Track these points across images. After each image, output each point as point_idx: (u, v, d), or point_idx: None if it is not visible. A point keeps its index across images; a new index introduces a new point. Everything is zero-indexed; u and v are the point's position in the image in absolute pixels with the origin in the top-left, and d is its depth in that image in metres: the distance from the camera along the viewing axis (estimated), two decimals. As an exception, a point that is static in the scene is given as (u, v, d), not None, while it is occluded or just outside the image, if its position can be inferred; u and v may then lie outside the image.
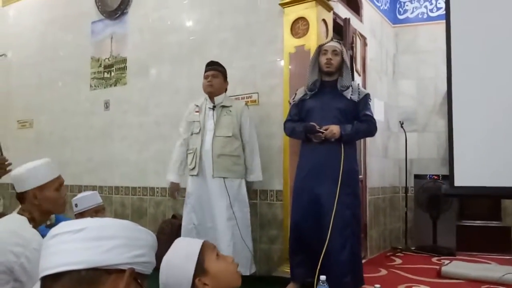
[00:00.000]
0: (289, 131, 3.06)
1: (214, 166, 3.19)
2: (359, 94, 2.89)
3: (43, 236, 1.46)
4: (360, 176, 4.31)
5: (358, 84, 3.02)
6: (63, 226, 0.82)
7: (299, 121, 3.00)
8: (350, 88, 2.89)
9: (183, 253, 1.25)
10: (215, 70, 3.33)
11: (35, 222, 1.68)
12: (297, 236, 2.89)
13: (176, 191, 3.45)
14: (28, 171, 1.69)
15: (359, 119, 2.89)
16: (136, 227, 0.86)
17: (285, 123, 3.12)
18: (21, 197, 1.70)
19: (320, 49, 2.96)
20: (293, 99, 3.08)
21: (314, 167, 2.86)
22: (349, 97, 2.87)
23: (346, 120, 2.87)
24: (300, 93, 3.05)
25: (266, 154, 3.60)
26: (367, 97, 2.92)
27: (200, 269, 1.28)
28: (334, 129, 2.80)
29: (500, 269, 3.68)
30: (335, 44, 2.93)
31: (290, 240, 2.96)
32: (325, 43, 2.97)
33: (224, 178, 3.18)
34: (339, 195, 2.75)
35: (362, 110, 2.89)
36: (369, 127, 2.92)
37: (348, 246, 2.76)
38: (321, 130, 2.82)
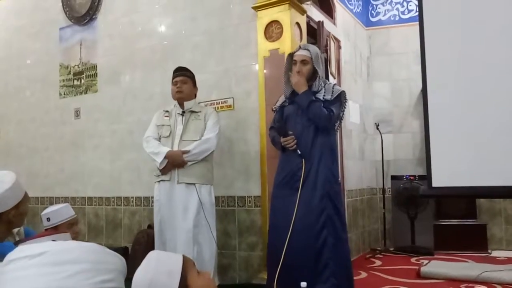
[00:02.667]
0: (271, 139, 3.05)
1: (179, 171, 3.11)
2: (332, 93, 2.85)
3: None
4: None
5: (334, 84, 2.97)
6: (21, 251, 0.74)
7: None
8: (323, 89, 2.86)
9: (164, 270, 1.17)
10: (184, 76, 3.26)
11: None
12: (274, 245, 2.83)
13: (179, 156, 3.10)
14: (7, 191, 1.59)
15: None
16: (103, 250, 0.79)
17: (269, 129, 3.10)
18: None
19: (291, 58, 2.92)
20: (275, 105, 3.07)
21: (287, 174, 2.84)
22: (322, 98, 2.83)
23: None
24: (281, 99, 3.03)
25: (243, 160, 3.55)
26: (340, 95, 2.87)
27: (183, 287, 1.21)
28: (300, 83, 2.82)
29: (478, 267, 3.73)
30: (303, 53, 2.86)
31: (267, 249, 2.91)
32: (295, 52, 2.92)
33: (194, 184, 3.09)
34: (311, 199, 2.73)
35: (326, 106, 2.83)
36: (318, 112, 2.79)
37: (327, 249, 2.70)
38: (289, 133, 2.83)
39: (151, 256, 1.15)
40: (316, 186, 2.76)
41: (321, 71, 2.89)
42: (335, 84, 2.99)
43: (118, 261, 0.81)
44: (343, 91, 2.91)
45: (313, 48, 2.92)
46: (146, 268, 1.08)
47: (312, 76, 2.87)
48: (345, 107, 2.92)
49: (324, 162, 2.82)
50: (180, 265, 1.19)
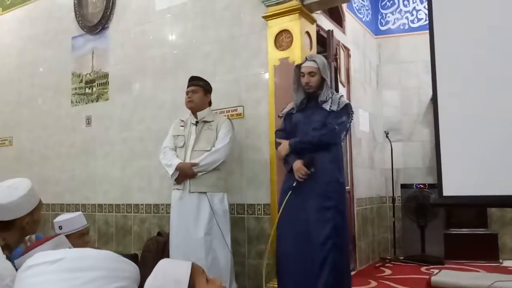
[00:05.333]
0: (276, 143, 3.08)
1: (190, 181, 3.15)
2: (338, 105, 2.88)
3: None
4: (347, 187, 4.29)
5: (341, 96, 2.99)
6: (39, 257, 0.76)
7: (289, 132, 3.01)
8: (330, 100, 2.90)
9: (171, 279, 1.18)
10: (195, 85, 3.31)
11: (9, 249, 1.60)
12: (282, 254, 2.86)
13: (189, 169, 3.15)
14: (22, 198, 1.61)
15: None
16: (118, 257, 0.81)
17: (275, 132, 3.14)
18: (7, 225, 1.62)
19: (298, 70, 2.96)
20: (281, 112, 3.11)
21: (294, 182, 2.85)
22: (328, 109, 2.87)
23: None
24: (288, 107, 3.07)
25: (252, 167, 3.57)
26: (347, 107, 2.91)
27: None
28: (280, 148, 2.94)
29: (489, 277, 3.69)
30: (310, 65, 2.89)
31: (276, 259, 2.94)
32: (302, 64, 2.95)
33: (206, 192, 3.13)
34: (319, 209, 2.76)
35: (329, 119, 2.85)
36: (321, 132, 2.83)
37: (330, 259, 2.73)
38: (279, 141, 2.95)
39: (160, 265, 1.15)
40: (324, 196, 2.79)
41: (328, 80, 2.94)
42: (341, 95, 3.01)
43: (132, 269, 0.83)
44: (349, 103, 2.95)
45: (320, 59, 2.95)
46: (154, 277, 1.08)
47: (320, 85, 2.91)
48: (352, 119, 2.96)
49: (331, 172, 2.84)
50: (188, 274, 1.19)
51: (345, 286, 2.85)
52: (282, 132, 3.05)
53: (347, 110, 2.91)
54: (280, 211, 2.84)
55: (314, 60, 2.91)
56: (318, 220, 2.75)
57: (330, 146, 2.86)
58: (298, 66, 2.98)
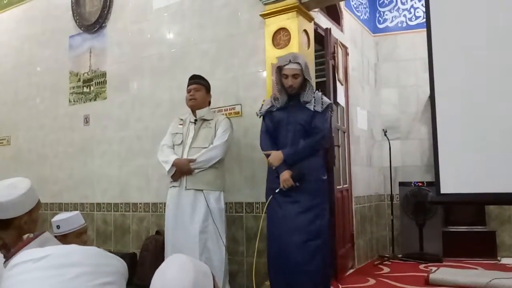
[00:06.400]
0: (262, 142, 3.08)
1: (187, 178, 3.15)
2: (322, 105, 2.91)
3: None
4: (345, 186, 4.30)
5: (322, 95, 3.01)
6: (24, 255, 0.76)
7: (272, 131, 3.02)
8: (313, 99, 2.92)
9: (201, 269, 1.10)
10: (197, 83, 3.31)
11: (6, 248, 1.60)
12: (272, 253, 2.90)
13: (186, 165, 3.14)
14: (21, 197, 1.61)
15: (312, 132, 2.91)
16: (104, 253, 0.80)
17: (261, 133, 3.10)
18: (5, 224, 1.61)
19: (280, 71, 2.93)
20: (260, 110, 3.09)
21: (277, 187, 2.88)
22: (312, 109, 2.89)
23: (310, 131, 2.90)
24: (266, 104, 3.06)
25: (249, 166, 3.56)
26: (328, 107, 2.94)
27: None
28: (272, 159, 2.89)
29: (487, 274, 3.70)
30: (294, 67, 2.87)
31: (267, 258, 2.97)
32: (284, 65, 2.90)
33: (202, 190, 3.13)
34: (308, 208, 2.81)
35: (316, 122, 2.88)
36: (312, 140, 2.87)
37: (319, 256, 2.78)
38: (267, 153, 2.95)
39: (181, 258, 1.07)
40: (311, 194, 2.85)
41: (311, 81, 2.97)
42: (322, 94, 3.03)
43: (119, 264, 0.83)
44: (331, 103, 3.01)
45: (302, 60, 2.94)
46: (182, 268, 1.01)
47: (302, 85, 2.92)
48: (331, 116, 3.09)
49: (316, 170, 2.90)
50: (208, 268, 1.17)
51: (329, 280, 2.99)
52: (267, 135, 3.04)
53: (329, 110, 2.97)
54: (264, 212, 2.91)
55: (297, 62, 2.89)
56: (307, 218, 2.80)
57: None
58: (280, 68, 2.94)
